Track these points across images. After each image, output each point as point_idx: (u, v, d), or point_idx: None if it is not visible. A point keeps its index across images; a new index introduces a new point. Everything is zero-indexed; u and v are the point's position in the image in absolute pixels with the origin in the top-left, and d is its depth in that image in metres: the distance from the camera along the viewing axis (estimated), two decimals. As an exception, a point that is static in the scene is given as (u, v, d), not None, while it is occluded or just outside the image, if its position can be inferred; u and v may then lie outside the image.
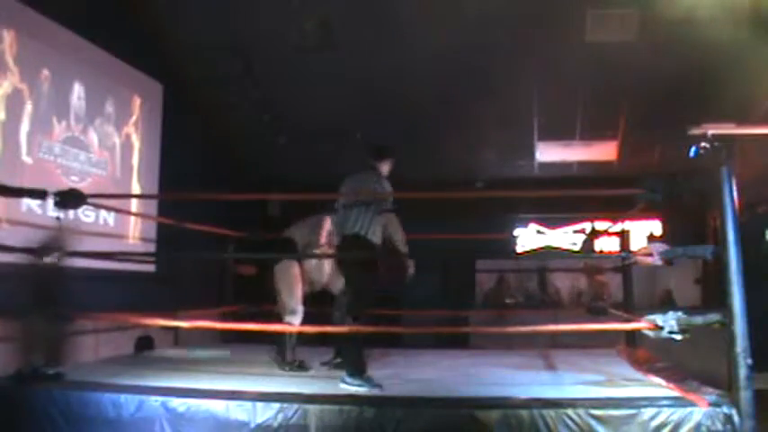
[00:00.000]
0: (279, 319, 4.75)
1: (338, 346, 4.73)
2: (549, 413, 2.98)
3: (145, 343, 5.96)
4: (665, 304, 8.50)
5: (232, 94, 7.54)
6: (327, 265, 4.89)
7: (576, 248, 10.01)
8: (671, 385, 3.50)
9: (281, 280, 4.74)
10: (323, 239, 4.85)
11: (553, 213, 9.65)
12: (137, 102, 6.68)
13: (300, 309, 4.69)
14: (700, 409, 2.94)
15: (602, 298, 8.66)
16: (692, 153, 3.12)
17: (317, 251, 4.81)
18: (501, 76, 6.93)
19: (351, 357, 3.86)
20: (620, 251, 5.81)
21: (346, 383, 3.70)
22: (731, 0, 5.66)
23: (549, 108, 7.77)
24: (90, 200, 4.21)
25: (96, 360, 4.98)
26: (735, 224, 3.03)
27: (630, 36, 6.40)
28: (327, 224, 4.88)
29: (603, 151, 8.72)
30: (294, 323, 4.59)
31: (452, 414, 3.11)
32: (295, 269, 4.76)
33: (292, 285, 4.71)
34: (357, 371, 3.74)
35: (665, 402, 3.05)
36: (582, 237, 9.96)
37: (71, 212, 5.01)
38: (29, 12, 5.12)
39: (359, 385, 3.66)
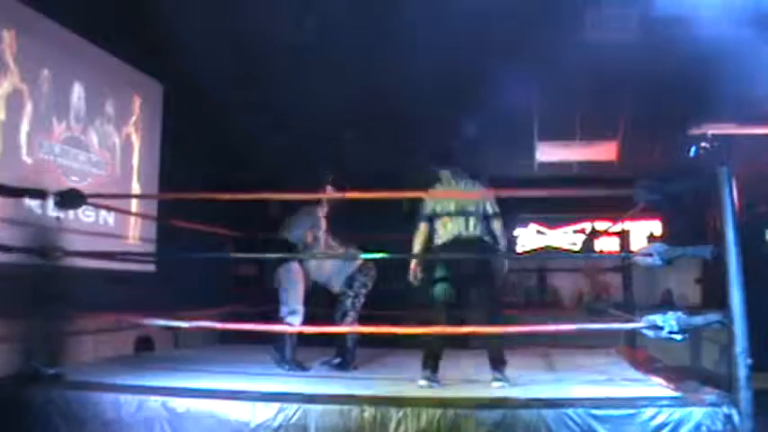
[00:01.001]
0: (278, 319, 4.75)
1: (338, 347, 4.74)
2: (549, 413, 2.98)
3: (145, 343, 5.96)
4: (667, 304, 8.51)
5: (232, 94, 7.54)
6: (328, 264, 4.88)
7: (576, 248, 10.02)
8: (671, 385, 3.50)
9: (285, 280, 4.75)
10: (324, 226, 4.85)
11: (553, 213, 9.67)
12: (137, 102, 6.68)
13: (301, 309, 4.69)
14: (700, 409, 2.94)
15: (602, 298, 8.67)
16: (692, 153, 3.12)
17: (318, 245, 4.81)
18: (501, 76, 6.93)
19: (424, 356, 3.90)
20: (620, 251, 5.80)
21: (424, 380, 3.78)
22: (731, 0, 5.67)
23: (549, 108, 7.77)
24: (90, 200, 4.21)
25: (96, 360, 4.98)
26: (735, 224, 3.03)
27: (630, 36, 6.40)
28: (322, 214, 4.89)
29: (603, 151, 8.72)
30: (294, 323, 4.60)
31: (453, 414, 3.10)
32: (297, 269, 4.77)
33: (296, 285, 4.72)
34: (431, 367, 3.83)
35: (665, 402, 3.05)
36: (582, 237, 9.97)
37: (71, 212, 5.02)
38: (29, 12, 5.12)
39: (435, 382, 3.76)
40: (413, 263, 4.15)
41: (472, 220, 4.04)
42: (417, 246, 4.13)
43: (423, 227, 4.13)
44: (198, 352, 5.77)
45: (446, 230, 4.04)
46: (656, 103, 7.08)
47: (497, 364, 3.83)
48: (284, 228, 4.95)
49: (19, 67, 5.03)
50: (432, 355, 3.87)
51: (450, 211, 4.06)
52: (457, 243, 4.02)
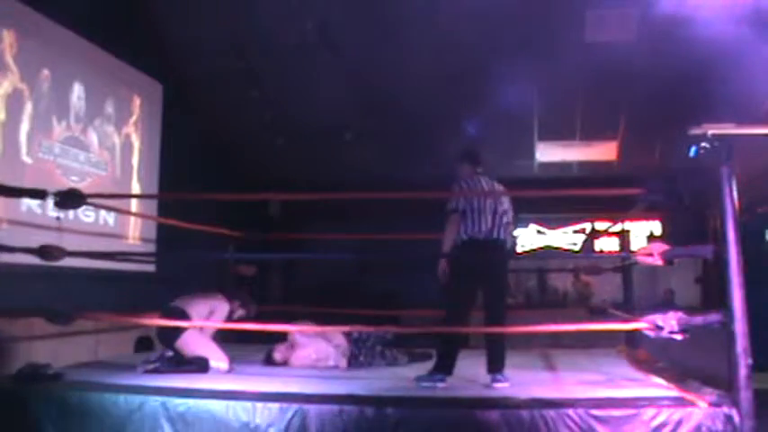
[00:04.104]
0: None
1: None
2: (549, 413, 2.98)
3: (145, 343, 5.96)
4: (667, 304, 8.52)
5: (232, 94, 7.54)
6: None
7: (576, 248, 10.02)
8: (671, 385, 3.50)
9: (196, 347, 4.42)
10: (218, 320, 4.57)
11: (553, 213, 9.67)
12: (137, 102, 6.68)
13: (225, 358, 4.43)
14: (700, 410, 2.94)
15: (587, 298, 8.72)
16: (692, 153, 3.11)
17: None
18: (501, 76, 6.93)
19: (440, 357, 3.84)
20: (620, 251, 5.80)
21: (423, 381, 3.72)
22: (731, 0, 5.67)
23: (549, 108, 7.77)
24: (90, 200, 4.20)
25: (96, 360, 4.98)
26: (735, 224, 3.02)
27: (630, 36, 6.40)
28: (226, 309, 4.65)
29: (603, 151, 8.73)
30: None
31: (452, 414, 3.10)
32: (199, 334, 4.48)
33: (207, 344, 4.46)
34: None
35: (665, 402, 3.05)
36: (582, 237, 9.98)
37: (71, 212, 5.02)
38: (29, 12, 5.12)
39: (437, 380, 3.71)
40: (442, 261, 4.04)
41: (497, 220, 4.00)
42: (450, 241, 3.97)
43: (456, 220, 3.97)
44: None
45: (476, 228, 3.94)
46: (656, 103, 7.08)
47: (499, 365, 3.83)
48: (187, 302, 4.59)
49: (19, 67, 5.03)
50: (451, 356, 3.86)
51: (482, 208, 3.97)
52: (486, 242, 3.95)
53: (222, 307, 4.64)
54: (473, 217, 3.94)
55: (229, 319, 4.68)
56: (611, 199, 4.09)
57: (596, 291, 8.93)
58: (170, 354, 4.36)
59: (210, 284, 6.82)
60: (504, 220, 4.06)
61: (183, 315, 4.36)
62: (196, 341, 4.37)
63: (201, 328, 4.49)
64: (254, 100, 7.54)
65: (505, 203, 4.11)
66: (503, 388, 3.66)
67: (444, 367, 3.80)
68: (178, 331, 4.30)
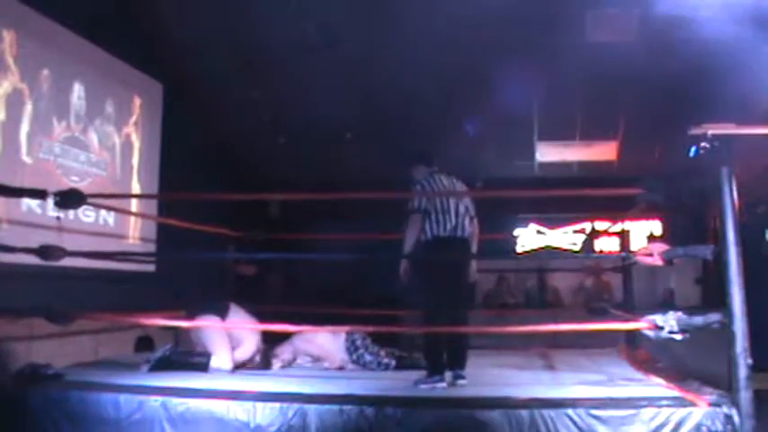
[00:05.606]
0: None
1: None
2: (549, 413, 2.98)
3: (145, 343, 5.96)
4: (668, 304, 8.52)
5: (232, 94, 7.54)
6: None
7: (576, 248, 10.02)
8: (671, 385, 3.50)
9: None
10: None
11: (553, 213, 9.66)
12: (137, 102, 6.68)
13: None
14: (700, 409, 2.94)
15: (603, 298, 8.67)
16: (692, 153, 3.12)
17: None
18: (501, 76, 6.93)
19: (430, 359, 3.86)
20: (620, 251, 5.81)
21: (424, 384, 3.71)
22: (731, 0, 5.67)
23: (549, 108, 7.77)
24: (90, 200, 4.20)
25: (96, 360, 4.98)
26: (735, 224, 3.02)
27: (630, 36, 6.40)
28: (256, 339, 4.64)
29: (603, 151, 8.74)
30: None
31: (452, 414, 3.11)
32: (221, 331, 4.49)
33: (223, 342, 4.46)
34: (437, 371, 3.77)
35: (665, 402, 3.05)
36: (582, 237, 9.97)
37: (71, 212, 5.02)
38: (29, 12, 5.12)
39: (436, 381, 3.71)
40: (404, 262, 4.08)
41: (460, 218, 4.04)
42: (411, 241, 4.02)
43: (418, 220, 4.01)
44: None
45: (440, 227, 3.99)
46: (656, 103, 7.09)
47: (463, 362, 3.85)
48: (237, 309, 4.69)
49: (19, 67, 5.03)
50: (441, 356, 3.85)
51: (446, 207, 4.02)
52: (452, 241, 4.00)
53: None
54: (437, 217, 4.00)
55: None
56: (611, 199, 4.09)
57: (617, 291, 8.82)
58: (168, 349, 4.38)
59: (211, 284, 6.86)
60: (467, 217, 4.10)
61: (224, 309, 4.51)
62: (213, 333, 4.41)
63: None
64: (255, 100, 7.54)
65: (465, 199, 4.16)
66: (463, 384, 3.69)
67: (438, 368, 3.80)
68: (206, 312, 4.42)
